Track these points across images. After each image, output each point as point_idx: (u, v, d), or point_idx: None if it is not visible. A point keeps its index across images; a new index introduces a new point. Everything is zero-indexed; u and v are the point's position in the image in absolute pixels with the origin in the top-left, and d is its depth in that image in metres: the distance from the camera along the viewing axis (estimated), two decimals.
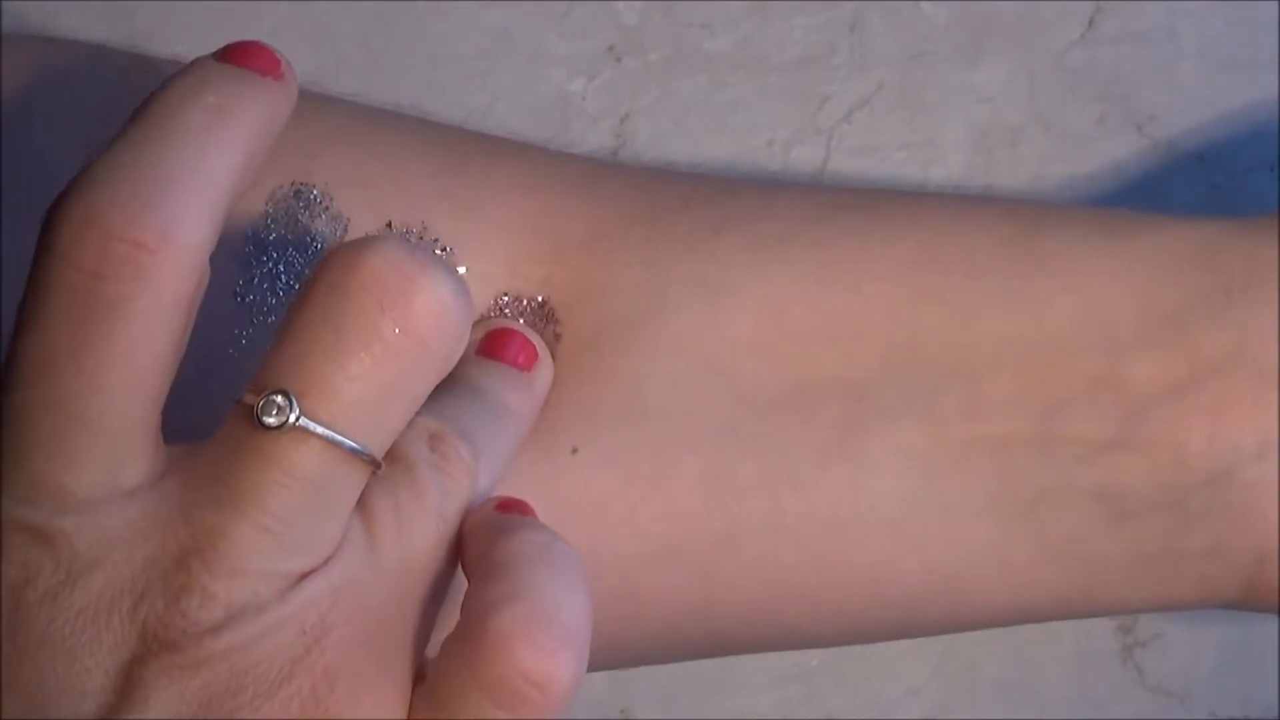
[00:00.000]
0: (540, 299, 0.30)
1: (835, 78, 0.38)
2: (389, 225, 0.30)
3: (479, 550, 0.24)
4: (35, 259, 0.22)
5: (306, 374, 0.22)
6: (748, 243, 0.30)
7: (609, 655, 0.30)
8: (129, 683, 0.21)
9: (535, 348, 0.30)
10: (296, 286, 0.29)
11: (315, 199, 0.30)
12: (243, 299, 0.29)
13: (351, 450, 0.22)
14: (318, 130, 0.31)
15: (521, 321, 0.30)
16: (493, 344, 0.29)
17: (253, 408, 0.22)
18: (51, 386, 0.22)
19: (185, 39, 0.37)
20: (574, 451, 0.29)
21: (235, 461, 0.22)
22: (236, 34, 0.37)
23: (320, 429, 0.22)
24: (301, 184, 0.30)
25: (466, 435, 0.25)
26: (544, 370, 0.29)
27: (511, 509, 0.25)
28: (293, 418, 0.22)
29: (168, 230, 0.22)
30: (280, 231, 0.30)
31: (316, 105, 0.32)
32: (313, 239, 0.30)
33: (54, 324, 0.22)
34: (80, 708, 0.21)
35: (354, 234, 0.29)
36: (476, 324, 0.30)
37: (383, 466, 0.23)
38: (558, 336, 0.30)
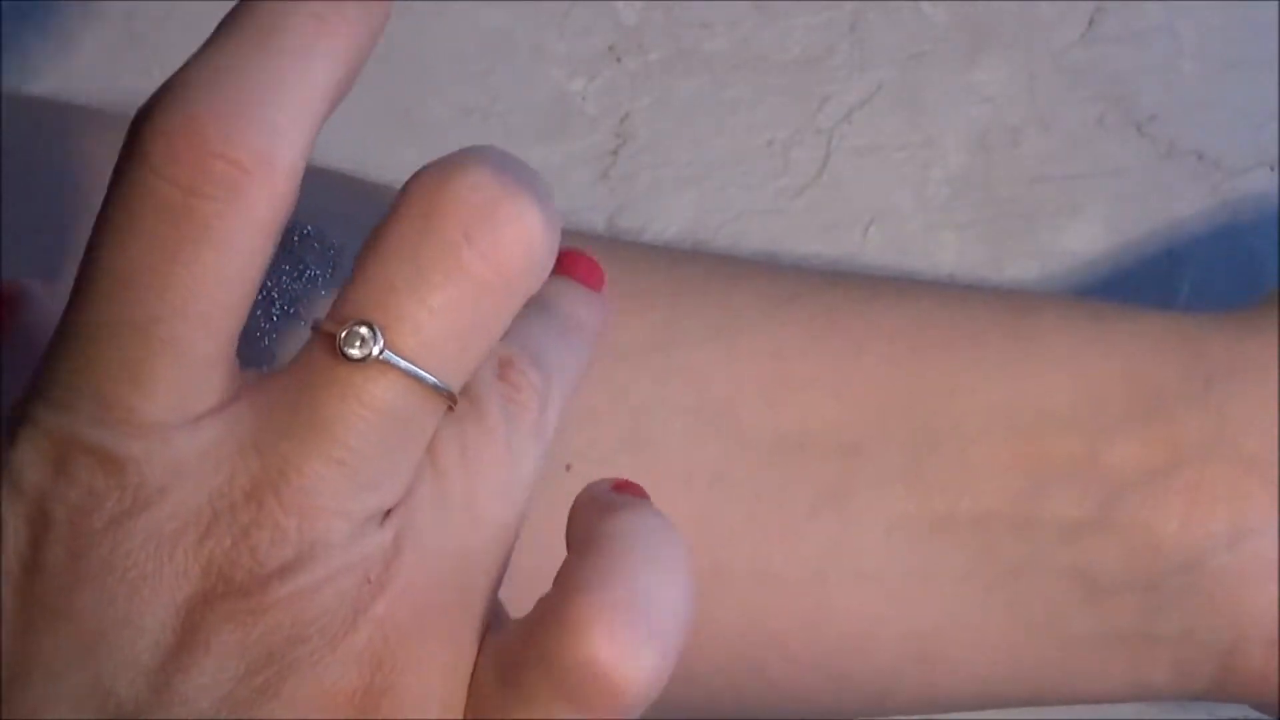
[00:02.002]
0: None
1: (835, 78, 0.38)
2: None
3: (582, 525, 0.22)
4: (120, 168, 0.22)
5: (390, 306, 0.21)
6: (762, 294, 0.31)
7: None
8: (189, 623, 0.20)
9: (602, 270, 0.30)
10: (289, 311, 0.29)
11: (308, 233, 0.31)
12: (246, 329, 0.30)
13: (432, 386, 0.21)
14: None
15: None
16: (562, 262, 0.29)
17: (335, 338, 0.21)
18: (132, 306, 0.21)
19: (185, 39, 0.36)
20: (568, 468, 0.29)
21: (312, 392, 0.21)
22: None
23: (403, 363, 0.21)
24: (292, 220, 0.31)
25: (537, 358, 0.25)
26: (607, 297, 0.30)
27: (626, 489, 0.24)
28: (376, 350, 0.21)
29: (270, 150, 0.21)
30: (275, 262, 0.30)
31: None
32: (305, 267, 0.30)
33: (140, 240, 0.21)
34: (136, 645, 0.20)
35: (348, 260, 0.29)
36: None
37: (457, 404, 0.22)
38: None
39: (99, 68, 0.37)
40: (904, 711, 0.32)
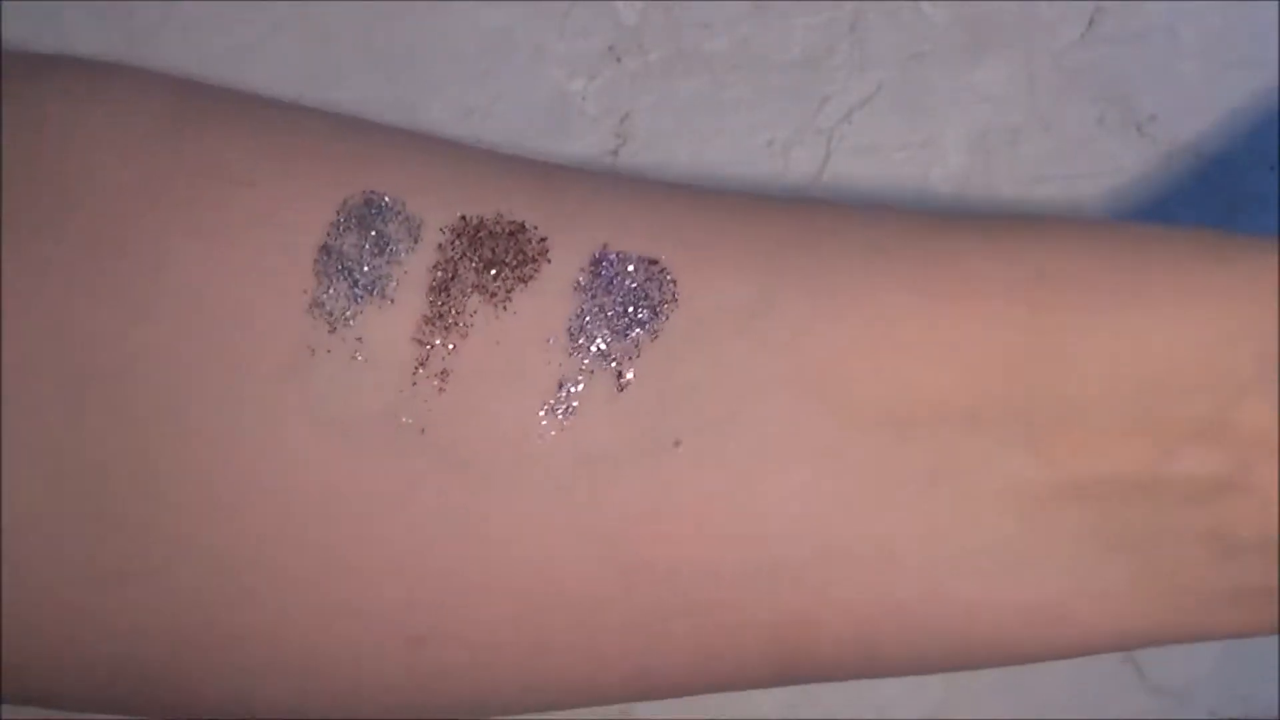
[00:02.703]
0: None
1: (835, 78, 0.38)
2: (462, 218, 0.30)
3: None
4: None
5: None
6: (858, 246, 0.30)
7: (698, 680, 0.30)
8: None
9: None
10: (374, 287, 0.29)
11: (386, 204, 0.30)
12: (316, 307, 0.29)
13: None
14: (378, 144, 0.31)
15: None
16: None
17: None
18: None
19: (185, 39, 0.37)
20: (676, 444, 0.28)
21: None
22: (236, 34, 0.37)
23: None
24: (371, 191, 0.30)
25: None
26: None
27: None
28: None
29: None
30: (353, 239, 0.29)
31: (368, 124, 0.33)
32: (386, 241, 0.29)
33: None
34: None
35: (428, 230, 0.29)
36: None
37: None
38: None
39: None
40: (1023, 663, 0.31)
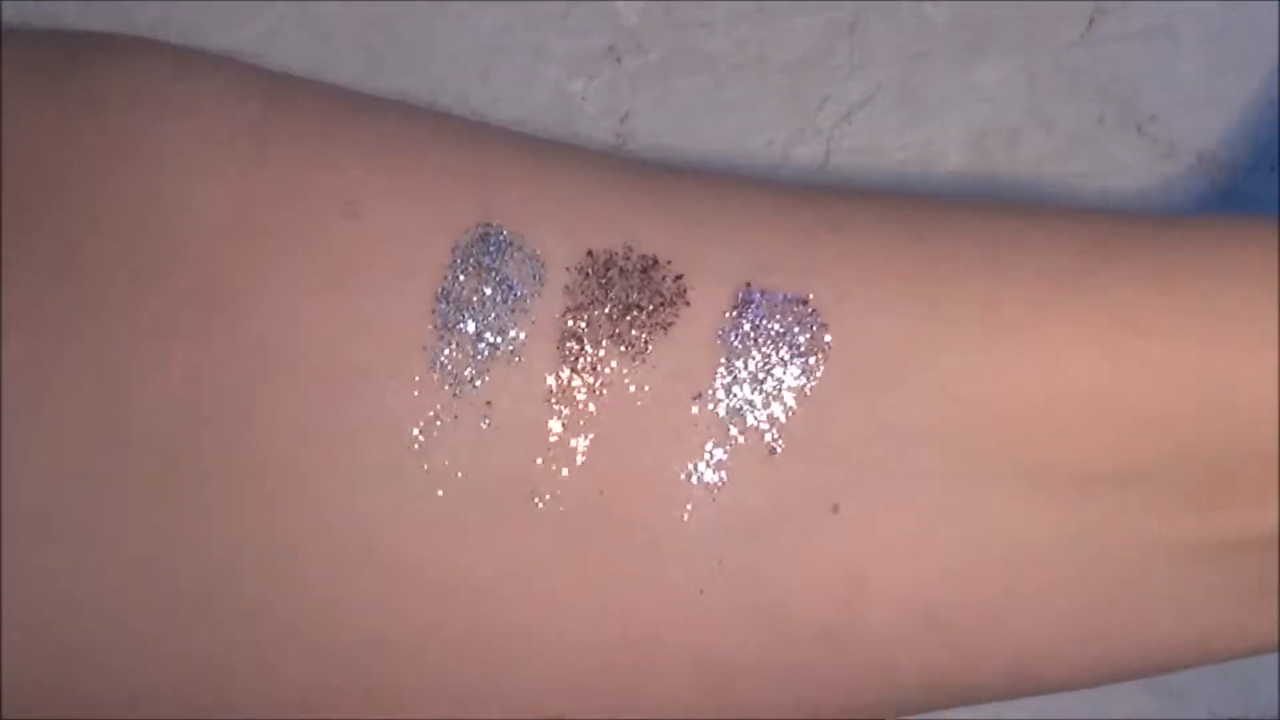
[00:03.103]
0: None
1: (835, 78, 0.38)
2: (588, 254, 0.27)
3: None
4: None
5: None
6: (1028, 276, 0.27)
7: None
8: None
9: None
10: (499, 343, 0.26)
11: (504, 239, 0.26)
12: (438, 366, 0.26)
13: None
14: (489, 160, 0.28)
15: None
16: None
17: None
18: None
19: (185, 39, 0.37)
20: (835, 509, 0.26)
21: None
22: (236, 34, 0.37)
23: None
24: (487, 224, 0.27)
25: None
26: None
27: None
28: None
29: None
30: (472, 283, 0.26)
31: (477, 131, 0.29)
32: (509, 286, 0.26)
33: None
34: None
35: (553, 268, 0.26)
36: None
37: None
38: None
39: None
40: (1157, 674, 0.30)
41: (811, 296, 0.26)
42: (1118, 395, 0.26)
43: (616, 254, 0.27)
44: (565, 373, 0.26)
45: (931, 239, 0.27)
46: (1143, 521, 0.27)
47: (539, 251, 0.26)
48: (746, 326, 0.26)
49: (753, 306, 0.26)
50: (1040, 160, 0.38)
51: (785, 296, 0.27)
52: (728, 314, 0.26)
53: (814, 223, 0.28)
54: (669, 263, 0.27)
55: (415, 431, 0.26)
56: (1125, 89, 0.38)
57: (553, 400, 0.26)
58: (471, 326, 0.26)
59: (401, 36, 0.38)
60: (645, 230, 0.27)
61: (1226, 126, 0.38)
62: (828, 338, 0.26)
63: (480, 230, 0.27)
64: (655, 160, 0.30)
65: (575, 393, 0.26)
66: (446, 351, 0.26)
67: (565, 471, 0.26)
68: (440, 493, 0.25)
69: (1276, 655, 0.40)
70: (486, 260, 0.26)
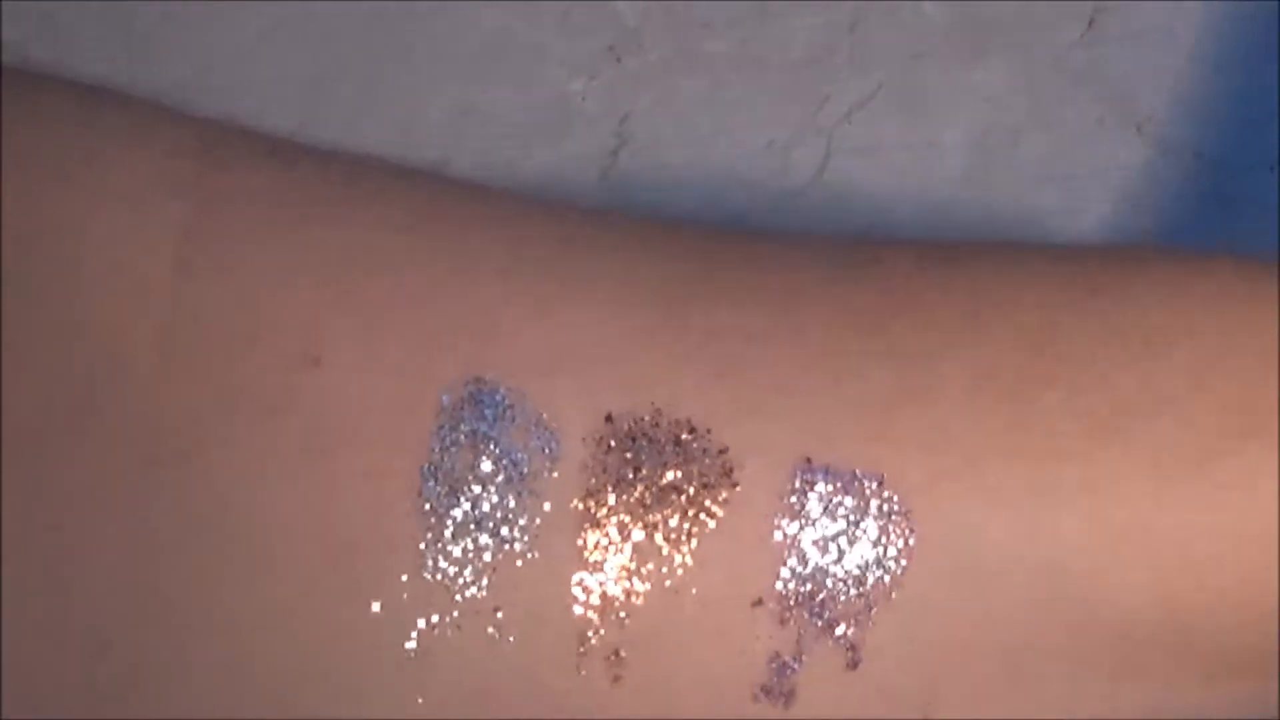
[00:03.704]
0: None
1: (835, 78, 0.38)
2: (608, 419, 0.22)
3: None
4: None
5: None
6: (1148, 455, 0.22)
7: None
8: None
9: None
10: (506, 535, 0.21)
11: (501, 400, 0.22)
12: (429, 565, 0.21)
13: None
14: (481, 288, 0.22)
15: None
16: None
17: None
18: None
19: (185, 39, 0.37)
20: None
21: None
22: (236, 34, 0.37)
23: None
24: (478, 380, 0.22)
25: None
26: None
27: None
28: None
29: None
30: (466, 458, 0.21)
31: (493, 249, 0.23)
32: (513, 461, 0.21)
33: None
34: None
35: (566, 439, 0.21)
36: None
37: None
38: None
39: (99, 67, 0.37)
40: None
41: (887, 474, 0.22)
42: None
43: (644, 420, 0.22)
44: (591, 574, 0.21)
45: (1032, 400, 0.22)
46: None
47: (545, 416, 0.21)
48: (810, 515, 0.21)
49: (816, 488, 0.22)
50: (1040, 160, 0.38)
51: (855, 475, 0.22)
52: (786, 499, 0.21)
53: (881, 381, 0.22)
54: (709, 432, 0.22)
55: (408, 645, 0.21)
56: (1125, 89, 0.38)
57: (578, 606, 0.21)
58: (470, 512, 0.21)
59: (401, 36, 0.38)
60: (674, 390, 0.22)
61: (1226, 126, 0.38)
62: (912, 529, 0.22)
63: (470, 388, 0.21)
64: (694, 251, 0.25)
65: (606, 597, 0.21)
66: (440, 545, 0.21)
67: (599, 701, 0.21)
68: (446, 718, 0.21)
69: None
70: (481, 427, 0.21)
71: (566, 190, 0.38)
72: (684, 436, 0.21)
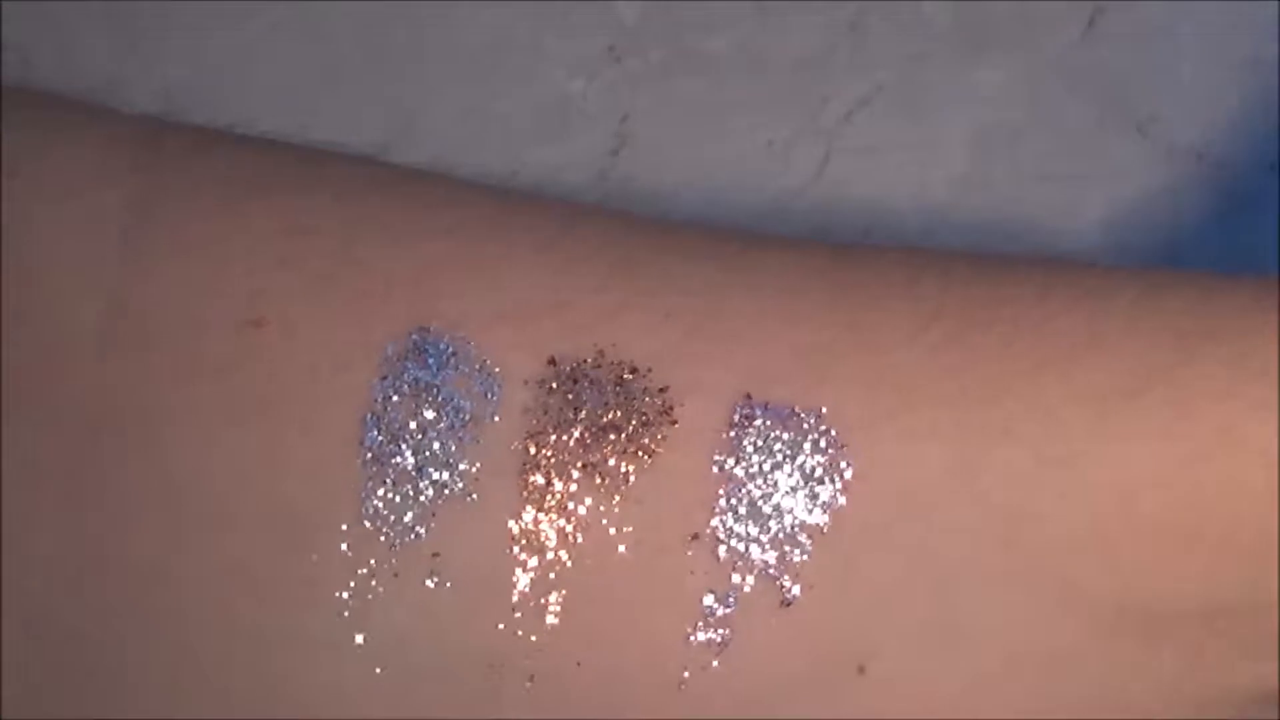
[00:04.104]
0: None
1: (835, 78, 0.38)
2: (550, 362, 0.22)
3: None
4: None
5: None
6: (1085, 389, 0.22)
7: None
8: None
9: None
10: (446, 479, 0.21)
11: (445, 348, 0.21)
12: (371, 512, 0.21)
13: None
14: (422, 244, 0.23)
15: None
16: None
17: None
18: None
19: (185, 39, 0.37)
20: (861, 671, 0.22)
21: None
22: (236, 34, 0.37)
23: None
24: (422, 329, 0.22)
25: None
26: None
27: None
28: None
29: None
30: (408, 406, 0.22)
31: (409, 203, 0.24)
32: (455, 407, 0.21)
33: None
34: None
35: (509, 383, 0.21)
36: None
37: None
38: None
39: (99, 67, 0.37)
40: None
41: (825, 411, 0.22)
42: (1194, 525, 0.22)
43: (585, 361, 0.22)
44: (529, 514, 0.21)
45: (970, 330, 0.22)
46: (1224, 666, 0.23)
47: (489, 361, 0.22)
48: (749, 449, 0.21)
49: (755, 424, 0.21)
50: (1040, 160, 0.38)
51: (794, 412, 0.22)
52: (724, 434, 0.21)
53: (828, 324, 0.22)
54: (649, 371, 0.22)
55: (344, 595, 0.21)
56: (1125, 89, 0.38)
57: (516, 549, 0.21)
58: (411, 460, 0.21)
59: (401, 36, 0.38)
60: (620, 331, 0.22)
61: (1226, 126, 0.38)
62: (848, 461, 0.22)
63: (414, 338, 0.21)
64: (641, 224, 0.25)
65: (543, 538, 0.21)
66: (380, 492, 0.21)
67: (534, 637, 0.21)
68: (379, 669, 0.21)
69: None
70: (424, 376, 0.21)
71: (567, 190, 0.38)
72: (626, 376, 0.21)
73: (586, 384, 0.22)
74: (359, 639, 0.21)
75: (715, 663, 0.21)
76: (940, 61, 0.38)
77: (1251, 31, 0.38)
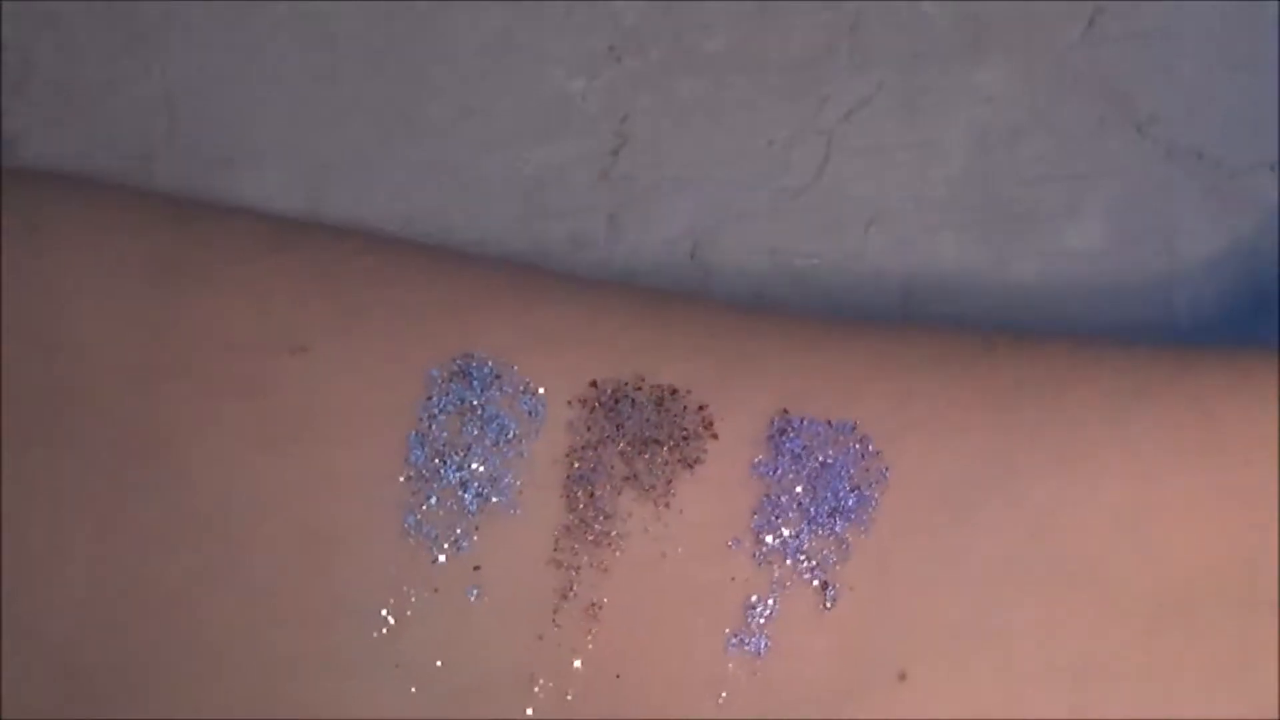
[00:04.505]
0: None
1: (835, 78, 0.38)
2: (593, 384, 0.23)
3: None
4: None
5: None
6: (1104, 392, 0.23)
7: None
8: None
9: None
10: (490, 493, 0.22)
11: (490, 371, 0.22)
12: (413, 527, 0.22)
13: None
14: (466, 286, 0.24)
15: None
16: None
17: None
18: None
19: (185, 39, 0.36)
20: (902, 678, 0.22)
21: None
22: (236, 34, 0.37)
23: None
24: (468, 355, 0.22)
25: None
26: None
27: None
28: None
29: None
30: (454, 424, 0.22)
31: (469, 261, 0.25)
32: (500, 424, 0.22)
33: None
34: None
35: (553, 403, 0.22)
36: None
37: None
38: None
39: (99, 68, 0.37)
40: None
41: (859, 420, 0.23)
42: (1212, 513, 0.23)
43: (626, 384, 0.23)
44: (572, 526, 0.22)
45: (996, 347, 0.24)
46: (1262, 641, 0.23)
47: (531, 383, 0.22)
48: (787, 459, 0.22)
49: (791, 436, 0.22)
50: (1040, 160, 0.38)
51: (830, 424, 0.23)
52: (763, 447, 0.22)
53: (855, 351, 0.24)
54: (689, 392, 0.23)
55: (384, 612, 0.21)
56: (1125, 89, 0.38)
57: (558, 561, 0.22)
58: (455, 475, 0.21)
59: (401, 37, 0.38)
60: (657, 359, 0.23)
61: (1226, 126, 0.38)
62: (883, 467, 0.22)
63: (457, 361, 0.22)
64: (659, 292, 0.26)
65: (585, 551, 0.22)
66: (425, 508, 0.21)
67: (574, 650, 0.22)
68: (413, 689, 0.21)
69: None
70: (469, 396, 0.22)
71: (567, 190, 0.38)
72: (666, 398, 0.22)
73: (628, 404, 0.22)
74: (395, 657, 0.21)
75: (754, 674, 0.21)
76: (940, 61, 0.38)
77: (1251, 31, 0.38)
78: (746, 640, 0.22)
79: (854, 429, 0.23)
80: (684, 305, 0.25)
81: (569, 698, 0.21)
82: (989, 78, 0.38)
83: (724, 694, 0.21)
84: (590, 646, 0.22)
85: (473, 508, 0.21)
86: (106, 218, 0.24)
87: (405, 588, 0.21)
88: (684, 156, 0.38)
